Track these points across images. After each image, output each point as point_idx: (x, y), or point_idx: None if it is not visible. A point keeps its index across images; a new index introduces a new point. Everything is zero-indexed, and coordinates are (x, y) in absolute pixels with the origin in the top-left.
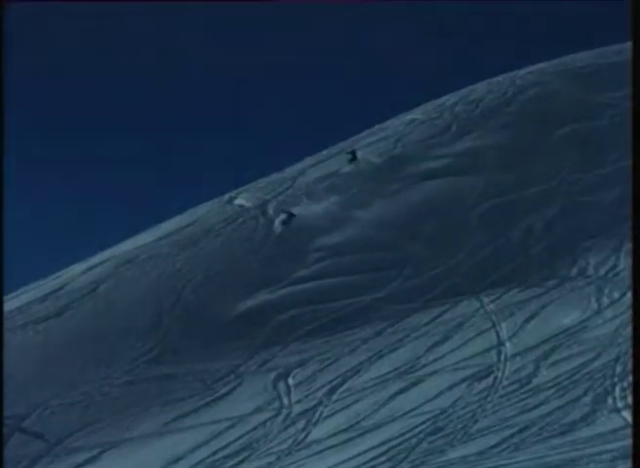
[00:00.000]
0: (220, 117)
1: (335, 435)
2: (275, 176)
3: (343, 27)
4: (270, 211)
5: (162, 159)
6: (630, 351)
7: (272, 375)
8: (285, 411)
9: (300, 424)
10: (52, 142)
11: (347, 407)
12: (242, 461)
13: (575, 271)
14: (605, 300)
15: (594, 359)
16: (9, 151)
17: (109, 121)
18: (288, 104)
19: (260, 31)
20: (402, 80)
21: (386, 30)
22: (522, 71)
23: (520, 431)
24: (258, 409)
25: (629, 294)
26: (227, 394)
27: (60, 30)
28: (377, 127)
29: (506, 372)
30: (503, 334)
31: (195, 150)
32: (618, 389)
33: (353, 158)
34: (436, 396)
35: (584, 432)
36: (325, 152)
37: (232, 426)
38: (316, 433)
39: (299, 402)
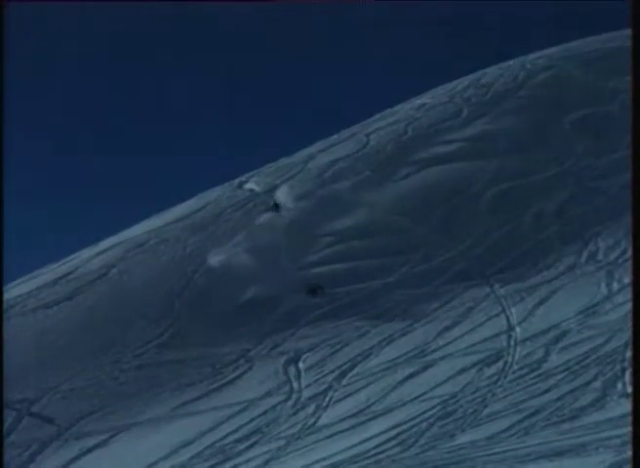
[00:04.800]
0: (230, 105)
1: (344, 419)
2: (285, 161)
3: (344, 26)
4: (280, 196)
5: (172, 145)
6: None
7: (282, 360)
8: (295, 396)
9: (310, 408)
10: (55, 136)
11: (357, 391)
12: (252, 445)
13: (585, 256)
14: (615, 285)
15: (604, 344)
16: (12, 147)
17: (112, 115)
18: (298, 92)
19: (263, 29)
20: (410, 66)
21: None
22: (532, 56)
23: (530, 416)
24: (268, 394)
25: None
26: (237, 378)
27: (60, 30)
28: (387, 111)
29: (516, 357)
30: (513, 319)
31: (205, 136)
32: (627, 374)
33: (276, 207)
34: (446, 380)
35: (594, 417)
36: (335, 136)
37: (242, 410)
38: (326, 417)
39: (309, 386)
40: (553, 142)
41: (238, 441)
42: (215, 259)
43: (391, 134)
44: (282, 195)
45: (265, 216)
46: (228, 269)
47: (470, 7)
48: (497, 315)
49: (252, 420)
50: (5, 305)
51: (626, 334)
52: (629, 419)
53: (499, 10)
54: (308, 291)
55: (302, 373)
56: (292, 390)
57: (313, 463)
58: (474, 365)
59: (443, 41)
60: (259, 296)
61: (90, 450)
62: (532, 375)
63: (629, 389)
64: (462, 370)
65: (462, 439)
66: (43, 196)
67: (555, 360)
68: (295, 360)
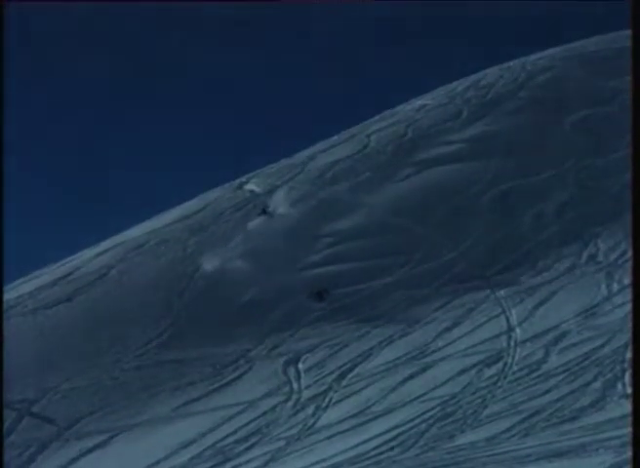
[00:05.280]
0: (230, 106)
1: (344, 420)
2: (285, 162)
3: (344, 25)
4: (281, 196)
5: (173, 145)
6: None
7: (282, 360)
8: (295, 397)
9: (310, 409)
10: (56, 136)
11: (357, 392)
12: (252, 446)
13: (585, 257)
14: (615, 286)
15: (604, 345)
16: (12, 147)
17: (112, 115)
18: (299, 92)
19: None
20: (411, 66)
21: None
22: (533, 57)
23: (530, 417)
24: (267, 394)
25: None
26: (237, 379)
27: (60, 30)
28: (387, 112)
29: (516, 358)
30: (513, 320)
31: (206, 137)
32: (627, 375)
33: (264, 212)
34: (446, 381)
35: (594, 418)
36: (335, 137)
37: (242, 411)
38: (326, 418)
39: (308, 387)
40: (553, 143)
41: (238, 442)
42: (214, 260)
43: (392, 135)
44: (282, 196)
45: (265, 218)
46: (228, 270)
47: (471, 6)
48: (496, 316)
49: (251, 421)
50: (5, 306)
51: (626, 335)
52: (629, 420)
53: (499, 9)
54: (315, 294)
55: (302, 374)
56: (291, 391)
57: (313, 464)
58: (474, 366)
59: (444, 41)
60: (258, 297)
61: (90, 451)
62: (532, 376)
63: (629, 390)
64: (462, 371)
65: (462, 440)
66: (43, 196)
67: (555, 361)
68: (294, 361)
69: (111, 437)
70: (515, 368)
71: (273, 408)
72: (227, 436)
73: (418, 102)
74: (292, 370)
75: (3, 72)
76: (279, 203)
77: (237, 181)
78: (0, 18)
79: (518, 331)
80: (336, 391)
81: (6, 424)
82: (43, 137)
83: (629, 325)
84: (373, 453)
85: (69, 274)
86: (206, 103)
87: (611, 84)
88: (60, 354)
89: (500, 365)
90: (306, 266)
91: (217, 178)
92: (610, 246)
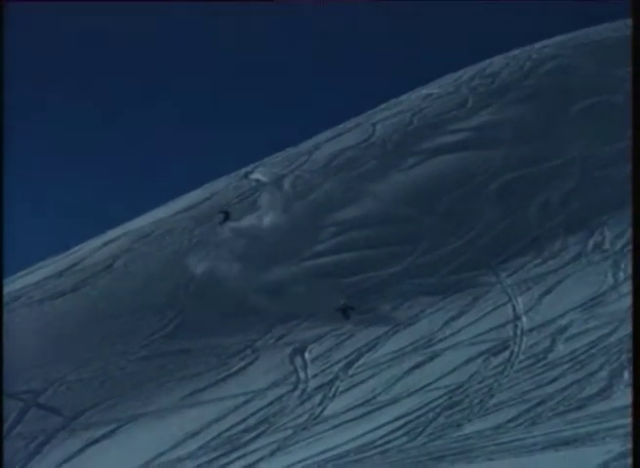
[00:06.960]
0: (233, 99)
1: (351, 409)
2: (291, 151)
3: (345, 24)
4: (286, 185)
5: (177, 134)
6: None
7: (289, 350)
8: (301, 386)
9: (317, 399)
10: (59, 132)
11: (364, 381)
12: (258, 436)
13: (591, 245)
14: (621, 275)
15: (610, 333)
16: (18, 142)
17: (114, 113)
18: (301, 86)
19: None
20: (417, 56)
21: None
22: (538, 45)
23: (536, 405)
24: (274, 384)
25: None
26: (244, 368)
27: (60, 30)
28: (393, 101)
29: (523, 347)
30: (520, 309)
31: (210, 128)
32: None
33: (226, 218)
34: (452, 370)
35: (600, 406)
36: (341, 126)
37: (249, 401)
38: (332, 407)
39: (315, 376)
40: (559, 132)
41: (245, 431)
42: (220, 251)
43: (397, 123)
44: (287, 185)
45: (269, 210)
46: (234, 261)
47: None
48: (503, 305)
49: (258, 411)
50: (10, 297)
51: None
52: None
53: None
54: (341, 310)
55: (309, 364)
56: (298, 380)
57: (319, 453)
58: (480, 354)
59: (447, 32)
60: (264, 287)
61: (96, 441)
62: (538, 365)
63: None
64: (469, 360)
65: (469, 429)
66: (48, 190)
67: (561, 349)
68: (301, 350)
69: (118, 427)
70: (522, 356)
71: (280, 397)
72: (234, 425)
73: (423, 91)
74: (298, 360)
75: (3, 72)
76: (286, 192)
77: (243, 170)
78: (0, 18)
79: (524, 319)
80: (342, 380)
81: (12, 415)
82: (47, 130)
83: None
84: (379, 443)
85: (75, 264)
86: (210, 99)
87: (617, 72)
88: (65, 345)
89: (506, 353)
90: (312, 255)
91: (222, 167)
92: (616, 234)
